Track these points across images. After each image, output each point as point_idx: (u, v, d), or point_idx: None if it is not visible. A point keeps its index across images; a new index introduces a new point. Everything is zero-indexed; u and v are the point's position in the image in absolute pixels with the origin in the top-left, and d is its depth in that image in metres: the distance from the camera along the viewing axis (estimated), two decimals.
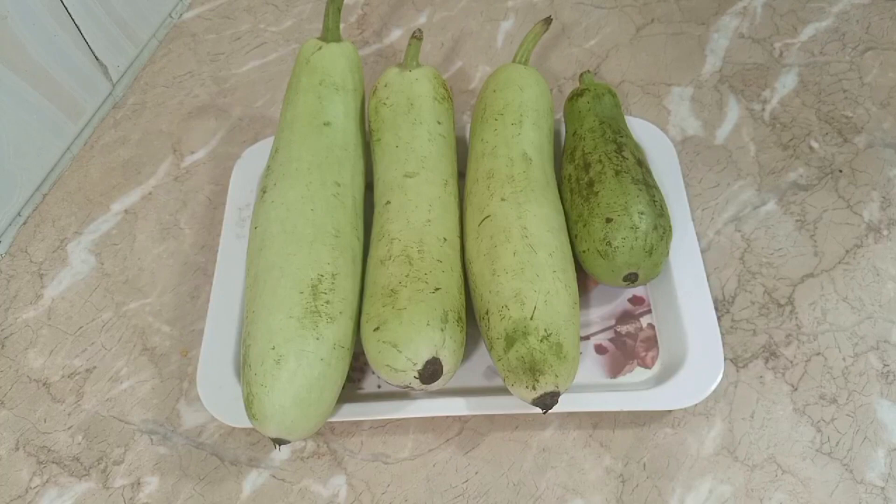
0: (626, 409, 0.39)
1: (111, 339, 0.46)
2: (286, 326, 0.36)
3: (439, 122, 0.45)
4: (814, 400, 0.41)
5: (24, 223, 0.52)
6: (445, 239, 0.40)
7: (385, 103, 0.45)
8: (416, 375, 0.35)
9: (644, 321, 0.44)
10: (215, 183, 0.53)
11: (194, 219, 0.51)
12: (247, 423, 0.38)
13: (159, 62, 0.61)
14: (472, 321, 0.41)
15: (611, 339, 0.43)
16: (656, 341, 0.43)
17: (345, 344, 0.37)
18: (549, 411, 0.36)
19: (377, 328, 0.36)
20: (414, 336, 0.35)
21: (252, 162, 0.49)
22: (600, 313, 0.44)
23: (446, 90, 0.47)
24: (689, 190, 0.49)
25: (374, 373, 0.43)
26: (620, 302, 0.45)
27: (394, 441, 0.41)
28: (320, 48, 0.45)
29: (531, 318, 0.36)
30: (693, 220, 0.46)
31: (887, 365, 0.42)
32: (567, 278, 0.39)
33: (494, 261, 0.39)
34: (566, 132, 0.47)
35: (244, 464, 0.41)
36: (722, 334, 0.42)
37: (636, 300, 0.45)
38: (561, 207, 0.43)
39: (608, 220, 0.40)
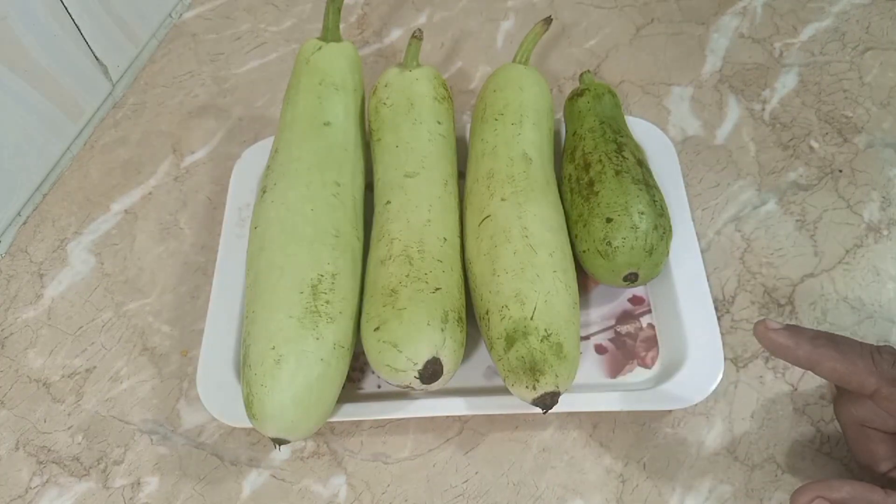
0: (626, 409, 0.39)
1: (111, 339, 0.46)
2: (286, 326, 0.36)
3: (439, 122, 0.45)
4: (814, 400, 0.41)
5: (24, 223, 0.52)
6: (445, 239, 0.40)
7: (385, 103, 0.45)
8: (417, 375, 0.35)
9: (644, 321, 0.44)
10: (215, 183, 0.53)
11: (194, 219, 0.51)
12: (247, 423, 0.38)
13: (159, 62, 0.61)
14: (472, 321, 0.41)
15: (611, 339, 0.43)
16: (656, 341, 0.43)
17: (345, 344, 0.37)
18: (549, 411, 0.36)
19: (377, 328, 0.36)
20: (414, 336, 0.35)
21: (252, 162, 0.49)
22: (600, 313, 0.44)
23: (446, 90, 0.47)
24: (689, 190, 0.49)
25: (374, 373, 0.43)
26: (620, 302, 0.45)
27: (394, 441, 0.41)
28: (320, 48, 0.45)
29: (531, 318, 0.36)
30: (693, 220, 0.46)
31: None
32: (567, 278, 0.39)
33: (495, 261, 0.39)
34: (566, 132, 0.47)
35: (244, 464, 0.41)
36: (722, 334, 0.42)
37: (636, 300, 0.45)
38: (561, 207, 0.43)
39: (608, 220, 0.40)
